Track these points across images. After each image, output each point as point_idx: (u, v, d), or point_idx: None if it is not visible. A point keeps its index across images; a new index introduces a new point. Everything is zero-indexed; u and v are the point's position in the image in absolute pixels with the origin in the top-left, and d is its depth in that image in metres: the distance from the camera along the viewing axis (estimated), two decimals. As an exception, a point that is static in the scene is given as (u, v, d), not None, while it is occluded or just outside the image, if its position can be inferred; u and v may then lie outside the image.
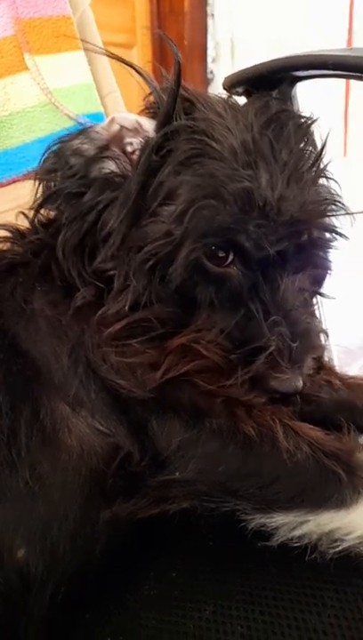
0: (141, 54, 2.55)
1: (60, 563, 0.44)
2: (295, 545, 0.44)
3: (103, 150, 0.50)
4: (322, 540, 0.44)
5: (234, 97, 0.64)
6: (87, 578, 0.46)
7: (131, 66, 0.52)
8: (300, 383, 0.47)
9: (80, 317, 0.48)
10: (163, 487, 0.46)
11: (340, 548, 0.44)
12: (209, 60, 2.64)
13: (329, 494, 0.44)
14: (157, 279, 0.47)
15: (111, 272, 0.48)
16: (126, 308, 0.47)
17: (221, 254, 0.46)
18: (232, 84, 0.63)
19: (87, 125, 0.52)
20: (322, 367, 0.56)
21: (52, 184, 0.52)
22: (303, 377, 0.48)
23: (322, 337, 0.54)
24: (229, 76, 0.64)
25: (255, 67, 0.58)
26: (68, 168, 0.50)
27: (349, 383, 0.64)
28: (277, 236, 0.46)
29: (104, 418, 0.47)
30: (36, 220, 0.55)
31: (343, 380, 0.64)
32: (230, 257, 0.47)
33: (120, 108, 0.79)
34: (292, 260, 0.49)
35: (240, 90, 0.64)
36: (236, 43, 2.47)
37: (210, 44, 2.58)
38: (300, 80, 0.60)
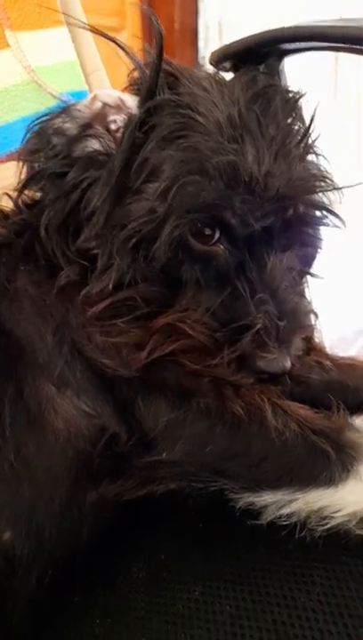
0: (130, 37, 2.51)
1: (46, 545, 0.44)
2: (284, 523, 0.44)
3: (86, 129, 0.49)
4: (311, 518, 0.44)
5: (222, 73, 0.63)
6: (74, 560, 0.46)
7: (115, 42, 0.51)
8: (288, 363, 0.46)
9: (64, 297, 0.47)
10: (150, 468, 0.45)
11: (328, 525, 0.43)
12: (201, 44, 2.60)
13: (318, 472, 0.44)
14: (141, 257, 0.46)
15: (95, 251, 0.48)
16: (110, 286, 0.46)
17: (207, 232, 0.46)
18: (219, 59, 0.61)
19: (70, 103, 0.51)
20: (312, 348, 0.56)
21: (36, 165, 0.50)
22: (292, 357, 0.47)
23: (311, 317, 0.53)
24: (215, 51, 0.62)
25: (242, 40, 0.57)
26: (51, 148, 0.48)
27: (340, 364, 0.63)
28: (262, 211, 0.45)
29: (90, 398, 0.46)
30: (19, 200, 0.54)
31: (334, 360, 0.63)
32: (216, 235, 0.46)
33: (105, 86, 0.77)
34: (279, 237, 0.48)
35: (227, 65, 0.62)
36: (224, 26, 2.43)
37: (201, 28, 2.54)
38: (288, 54, 0.58)
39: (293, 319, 0.47)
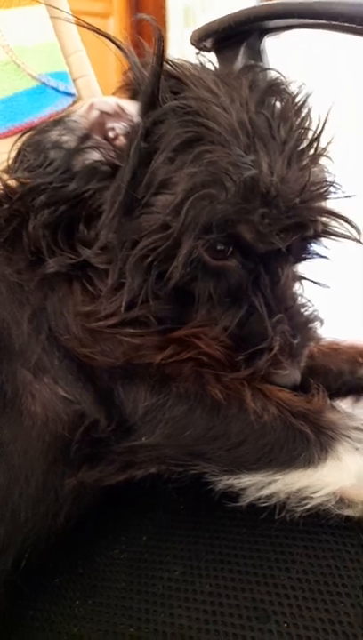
0: (117, 24, 2.47)
1: (22, 528, 0.43)
2: (264, 505, 0.44)
3: (84, 140, 0.46)
4: (290, 499, 0.44)
5: (204, 53, 0.62)
6: (53, 543, 0.46)
7: (108, 37, 0.48)
8: (299, 377, 0.47)
9: (44, 284, 0.46)
10: (129, 453, 0.45)
11: (308, 506, 0.43)
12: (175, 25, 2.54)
13: (297, 453, 0.43)
14: (153, 276, 0.44)
15: (100, 266, 0.46)
16: (122, 309, 0.44)
17: (220, 247, 0.44)
18: (200, 38, 0.61)
19: (63, 118, 0.47)
20: None
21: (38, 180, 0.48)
22: (301, 369, 0.48)
23: (318, 325, 0.52)
24: (196, 30, 0.61)
25: (221, 19, 0.56)
26: (50, 163, 0.46)
27: (323, 349, 0.64)
28: (282, 226, 0.43)
29: (69, 385, 0.45)
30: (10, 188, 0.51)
31: (319, 345, 0.64)
32: (230, 249, 0.45)
33: (85, 67, 0.76)
34: (296, 251, 0.48)
35: (208, 44, 0.62)
36: (207, 8, 2.39)
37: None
38: (268, 32, 0.58)
39: (304, 334, 0.47)
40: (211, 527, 0.48)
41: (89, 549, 0.49)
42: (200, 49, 0.63)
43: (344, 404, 0.64)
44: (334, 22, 0.46)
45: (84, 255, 0.45)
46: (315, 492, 0.43)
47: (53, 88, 0.70)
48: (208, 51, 0.63)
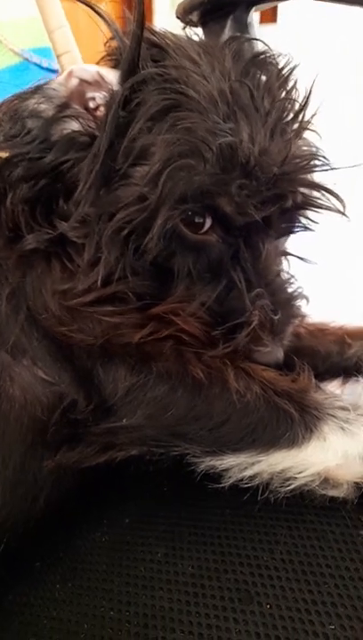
0: (109, 9, 2.44)
1: (1, 511, 0.42)
2: (247, 485, 0.43)
3: (63, 109, 0.45)
4: (274, 480, 0.43)
5: (191, 27, 0.60)
6: (32, 527, 0.45)
7: (89, 5, 0.46)
8: (281, 354, 0.46)
9: (22, 262, 0.45)
10: (109, 434, 0.44)
11: (292, 486, 0.42)
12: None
13: (280, 433, 0.42)
14: (131, 250, 0.43)
15: (77, 240, 0.44)
16: (98, 283, 0.43)
17: (198, 220, 0.43)
18: (185, 11, 0.59)
19: (41, 82, 0.45)
20: None
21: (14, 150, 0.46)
22: (284, 347, 0.47)
23: (302, 303, 0.51)
24: (181, 3, 0.60)
25: (207, -11, 0.55)
26: (27, 132, 0.44)
27: (311, 330, 0.63)
28: (260, 198, 0.42)
29: (47, 366, 0.44)
30: None
31: (307, 327, 0.63)
32: (208, 223, 0.43)
33: (70, 43, 0.74)
34: (276, 224, 0.46)
35: (194, 18, 0.60)
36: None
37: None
38: (255, 4, 0.56)
39: (286, 310, 0.46)
40: (194, 509, 0.47)
41: (70, 532, 0.48)
42: (186, 23, 0.61)
43: (332, 386, 0.63)
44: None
45: (61, 229, 0.44)
46: (299, 473, 0.42)
47: (36, 64, 0.68)
48: (195, 25, 0.61)
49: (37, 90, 0.45)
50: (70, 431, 0.44)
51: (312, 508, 0.44)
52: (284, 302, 0.46)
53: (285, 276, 0.49)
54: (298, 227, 0.49)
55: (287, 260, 0.53)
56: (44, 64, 0.68)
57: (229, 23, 0.57)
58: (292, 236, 0.50)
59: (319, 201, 0.47)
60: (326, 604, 0.38)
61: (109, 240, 0.42)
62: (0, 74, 0.67)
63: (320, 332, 0.62)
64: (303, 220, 0.49)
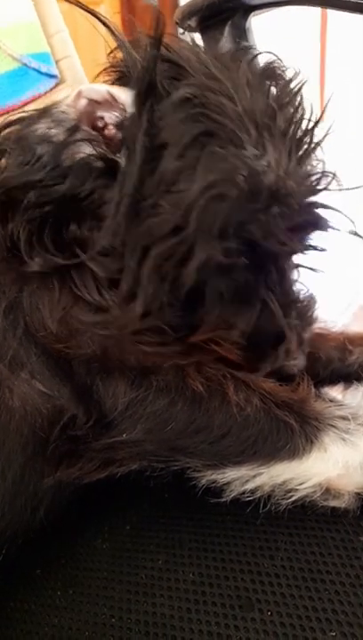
0: (109, 12, 2.44)
1: (1, 521, 0.42)
2: (248, 499, 0.43)
3: (73, 132, 0.42)
4: (276, 492, 0.43)
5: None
6: (32, 535, 0.45)
7: (94, 14, 0.44)
8: (304, 362, 0.47)
9: (19, 278, 0.44)
10: (109, 449, 0.43)
11: (294, 498, 0.42)
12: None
13: (281, 445, 0.42)
14: (167, 283, 0.41)
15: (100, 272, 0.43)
16: (137, 319, 0.42)
17: (231, 246, 0.42)
18: (184, 17, 0.59)
19: (50, 109, 0.44)
20: None
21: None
22: (305, 354, 0.48)
23: (315, 309, 0.51)
24: (180, 8, 0.60)
25: (206, -5, 0.55)
26: (37, 159, 0.42)
27: (312, 336, 0.63)
28: (291, 224, 0.42)
29: (46, 380, 0.43)
30: None
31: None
32: (240, 248, 0.42)
33: (69, 48, 0.73)
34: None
35: (193, 23, 0.60)
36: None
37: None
38: (253, 10, 0.56)
39: (309, 324, 0.48)
40: (195, 515, 0.47)
41: (71, 539, 0.48)
42: (185, 28, 0.61)
43: (334, 392, 0.63)
44: (318, -2, 0.45)
45: (83, 258, 0.42)
46: (301, 484, 0.42)
47: (35, 69, 0.68)
48: (193, 30, 0.61)
49: (46, 113, 0.43)
50: (70, 447, 0.44)
51: (313, 514, 0.44)
52: (304, 314, 0.47)
53: (299, 286, 0.49)
54: (312, 246, 0.49)
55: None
56: (43, 69, 0.68)
57: (227, 29, 0.57)
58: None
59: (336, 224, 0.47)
60: (327, 611, 0.38)
61: (149, 276, 0.41)
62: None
63: (322, 337, 0.62)
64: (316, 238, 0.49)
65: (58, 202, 0.42)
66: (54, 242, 0.43)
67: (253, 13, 0.57)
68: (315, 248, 0.48)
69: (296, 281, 0.49)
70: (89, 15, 0.45)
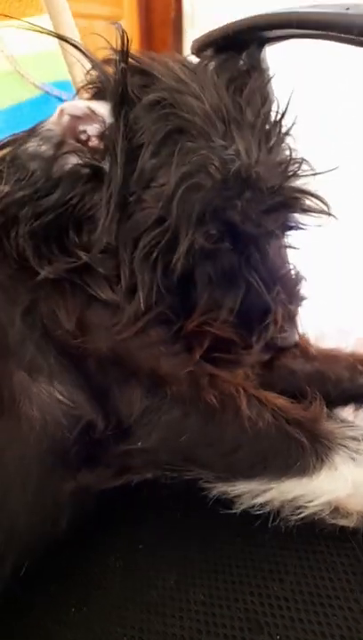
0: (127, 27, 2.49)
1: (20, 535, 0.44)
2: (257, 513, 0.44)
3: (60, 147, 0.47)
4: (285, 508, 0.44)
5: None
6: (52, 550, 0.46)
7: (63, 39, 0.52)
8: (297, 336, 0.50)
9: (35, 286, 0.47)
10: (126, 456, 0.45)
11: (303, 515, 0.43)
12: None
13: (292, 462, 0.44)
14: (160, 270, 0.46)
15: (103, 271, 0.47)
16: (143, 307, 0.45)
17: (213, 232, 0.46)
18: (200, 47, 0.61)
19: (39, 125, 0.48)
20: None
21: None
22: (297, 328, 0.50)
23: (304, 284, 0.54)
24: (196, 39, 0.61)
25: (221, 28, 0.56)
26: (30, 175, 0.47)
27: (323, 355, 0.64)
28: (265, 207, 0.45)
29: (64, 384, 0.45)
30: None
31: (320, 351, 0.64)
32: (221, 233, 0.46)
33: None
34: (280, 227, 0.49)
35: (209, 54, 0.62)
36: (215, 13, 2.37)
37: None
38: (269, 42, 0.57)
39: (296, 298, 0.50)
40: (206, 536, 0.48)
41: (85, 557, 0.49)
42: (201, 58, 0.63)
43: (345, 413, 0.64)
44: (331, 33, 0.46)
45: (86, 259, 0.46)
46: (310, 502, 0.43)
47: (57, 97, 0.70)
48: (210, 60, 0.63)
49: (33, 133, 0.47)
50: (89, 453, 0.46)
51: (322, 538, 0.44)
52: (292, 289, 0.50)
53: (287, 265, 0.52)
54: (293, 224, 0.52)
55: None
56: (64, 97, 0.71)
57: (242, 60, 0.58)
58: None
59: (312, 205, 0.50)
60: (335, 636, 0.38)
61: (141, 265, 0.45)
62: (22, 107, 0.69)
63: (333, 357, 0.63)
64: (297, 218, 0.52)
65: (53, 210, 0.46)
66: (60, 249, 0.47)
67: (267, 44, 0.59)
68: (294, 228, 0.52)
69: (284, 260, 0.51)
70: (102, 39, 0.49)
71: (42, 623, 0.45)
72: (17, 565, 0.44)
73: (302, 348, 0.63)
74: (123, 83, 0.45)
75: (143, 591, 0.45)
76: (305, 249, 0.57)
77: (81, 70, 0.73)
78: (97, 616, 0.44)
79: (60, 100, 0.70)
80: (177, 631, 0.41)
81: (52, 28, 0.73)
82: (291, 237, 0.55)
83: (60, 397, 0.45)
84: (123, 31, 0.45)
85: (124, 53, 0.45)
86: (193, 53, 0.63)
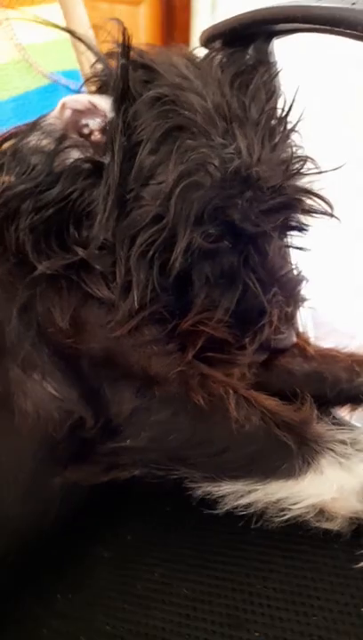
0: (148, 11, 2.46)
1: (10, 524, 0.45)
2: (242, 513, 0.44)
3: (62, 141, 0.47)
4: (269, 509, 0.44)
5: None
6: (42, 540, 0.47)
7: (68, 31, 0.54)
8: (294, 338, 0.49)
9: (33, 283, 0.47)
10: (114, 454, 0.46)
11: (287, 517, 0.44)
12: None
13: (278, 464, 0.44)
14: (156, 268, 0.45)
15: (99, 267, 0.47)
16: (136, 305, 0.45)
17: (212, 231, 0.45)
18: (208, 39, 0.60)
19: (41, 119, 0.47)
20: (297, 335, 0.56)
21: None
22: (295, 330, 0.50)
23: (304, 286, 0.53)
24: (204, 31, 0.61)
25: (228, 20, 0.56)
26: (32, 169, 0.47)
27: (322, 354, 0.63)
28: (266, 206, 0.45)
29: (57, 381, 0.46)
30: None
31: (317, 351, 0.63)
32: (220, 232, 0.46)
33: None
34: (280, 228, 0.48)
35: (217, 46, 0.61)
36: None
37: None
38: (276, 35, 0.56)
39: (295, 299, 0.50)
40: (194, 531, 0.49)
41: (75, 546, 0.50)
42: (209, 49, 0.62)
43: (342, 413, 0.64)
44: (336, 28, 0.45)
45: (82, 255, 0.46)
46: (294, 504, 0.43)
47: (65, 87, 0.70)
48: (217, 52, 0.62)
49: (35, 127, 0.47)
50: (78, 449, 0.46)
51: (308, 539, 0.44)
52: (292, 291, 0.49)
53: (288, 266, 0.51)
54: (295, 224, 0.51)
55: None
56: (73, 86, 0.70)
57: (250, 52, 0.58)
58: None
59: (314, 206, 0.50)
60: (313, 636, 0.38)
61: (137, 263, 0.45)
62: (29, 96, 0.69)
63: (330, 357, 0.63)
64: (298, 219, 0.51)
65: (54, 205, 0.46)
66: (59, 245, 0.47)
67: (275, 37, 0.58)
68: (296, 228, 0.51)
69: (285, 261, 0.51)
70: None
71: (28, 608, 0.47)
72: (5, 554, 0.45)
73: (300, 348, 0.62)
74: (123, 78, 0.44)
75: (129, 583, 0.46)
76: (309, 249, 0.56)
77: (90, 59, 0.73)
78: (82, 604, 0.46)
79: (69, 89, 0.69)
80: (159, 623, 0.42)
81: (62, 17, 0.72)
82: (293, 238, 0.54)
83: (53, 392, 0.46)
84: (123, 26, 0.45)
85: (125, 49, 0.44)
86: (201, 45, 0.63)
